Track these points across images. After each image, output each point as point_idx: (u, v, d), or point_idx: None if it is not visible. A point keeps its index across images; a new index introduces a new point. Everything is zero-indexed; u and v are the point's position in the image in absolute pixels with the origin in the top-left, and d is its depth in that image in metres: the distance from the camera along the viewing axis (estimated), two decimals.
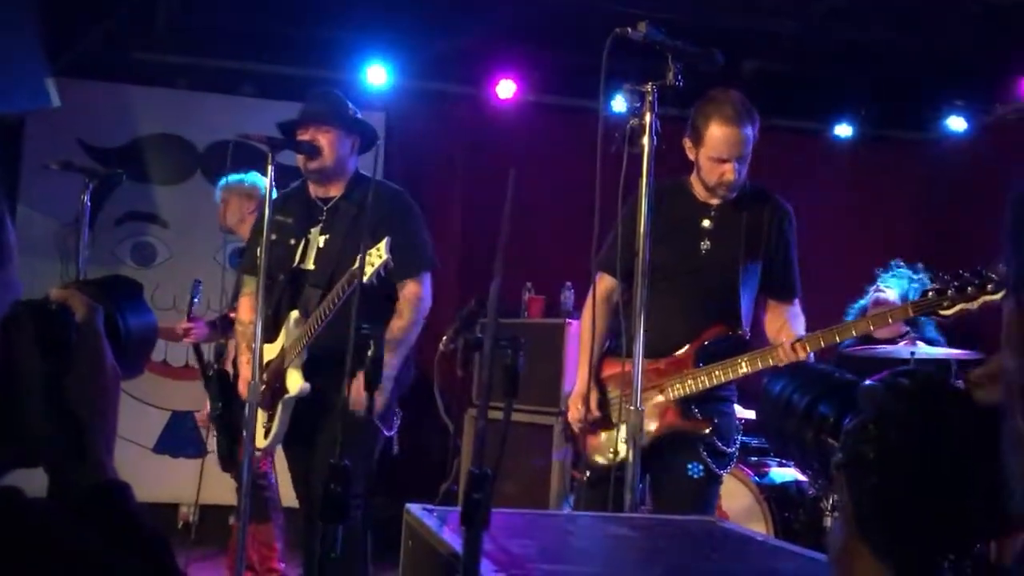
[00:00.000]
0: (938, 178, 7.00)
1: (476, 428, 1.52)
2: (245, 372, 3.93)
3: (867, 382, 1.00)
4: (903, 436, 0.94)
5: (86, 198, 4.63)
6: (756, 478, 4.96)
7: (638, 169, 3.05)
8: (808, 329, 3.59)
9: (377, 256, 3.53)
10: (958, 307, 3.09)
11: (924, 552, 0.95)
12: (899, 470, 0.93)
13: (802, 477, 5.02)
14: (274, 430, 3.88)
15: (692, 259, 3.53)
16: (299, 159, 3.92)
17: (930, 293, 3.17)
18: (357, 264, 3.48)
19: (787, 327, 3.55)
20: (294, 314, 3.88)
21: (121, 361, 1.15)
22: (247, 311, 4.03)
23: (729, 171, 3.46)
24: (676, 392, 3.46)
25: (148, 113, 6.22)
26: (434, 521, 1.79)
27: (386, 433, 3.87)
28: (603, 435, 3.64)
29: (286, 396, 3.86)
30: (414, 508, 1.93)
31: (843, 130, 6.99)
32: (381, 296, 3.82)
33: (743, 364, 3.39)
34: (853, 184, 7.06)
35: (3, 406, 1.04)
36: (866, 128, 6.99)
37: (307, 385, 3.82)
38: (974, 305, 3.07)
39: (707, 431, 3.46)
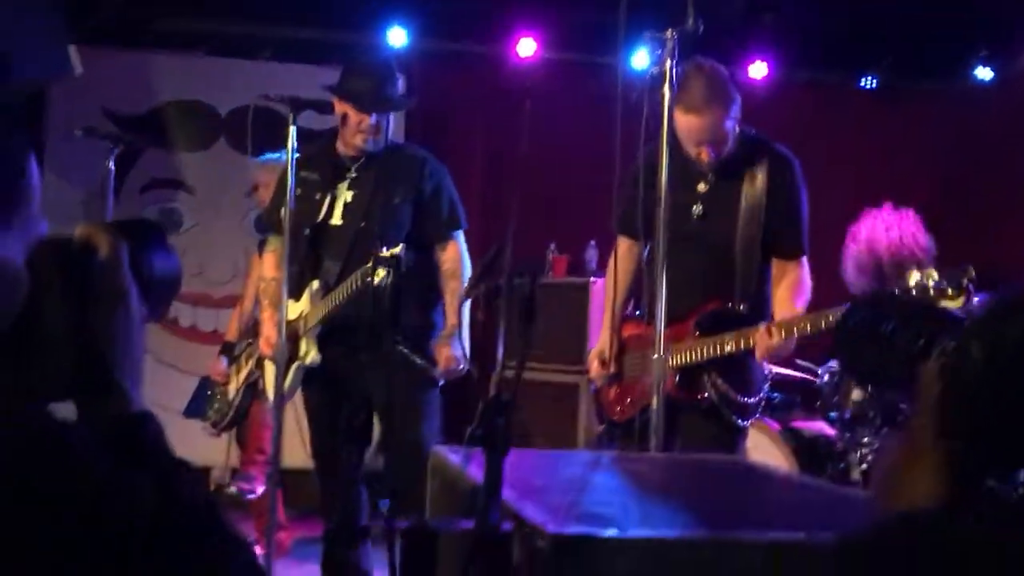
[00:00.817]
0: (964, 130, 6.91)
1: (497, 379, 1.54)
2: (267, 330, 3.98)
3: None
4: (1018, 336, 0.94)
5: (111, 164, 4.66)
6: (784, 433, 4.96)
7: (660, 121, 3.03)
8: (815, 291, 3.53)
9: (377, 275, 3.57)
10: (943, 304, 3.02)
11: (994, 458, 0.97)
12: (1006, 370, 0.94)
13: (830, 431, 5.01)
14: (285, 391, 3.91)
15: (686, 223, 3.43)
16: (348, 131, 3.91)
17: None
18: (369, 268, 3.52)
19: (779, 297, 3.49)
20: (315, 284, 3.90)
21: (145, 302, 1.17)
22: (271, 268, 4.07)
23: (703, 154, 3.40)
24: (675, 361, 3.39)
25: (170, 80, 6.24)
26: (459, 459, 1.81)
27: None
28: (621, 392, 3.67)
29: (296, 363, 3.91)
30: (439, 449, 1.95)
31: (867, 81, 6.91)
32: (412, 251, 3.86)
33: (728, 343, 3.33)
34: (876, 137, 6.99)
35: (30, 342, 1.05)
36: (890, 79, 6.90)
37: (318, 357, 3.88)
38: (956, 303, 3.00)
39: (701, 399, 3.42)
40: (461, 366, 3.84)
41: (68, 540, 0.88)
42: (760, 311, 3.48)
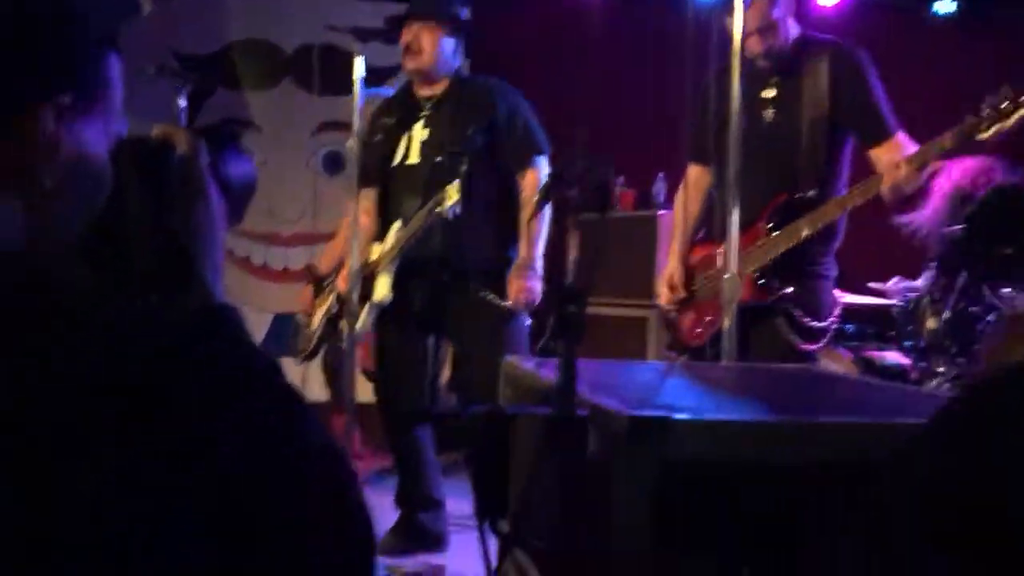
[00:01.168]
0: None
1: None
2: (346, 266, 4.02)
3: None
4: None
5: (182, 102, 4.72)
6: (856, 362, 4.91)
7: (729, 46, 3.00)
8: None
9: (454, 192, 3.58)
10: (995, 127, 3.00)
11: None
12: None
13: (905, 360, 4.95)
14: (357, 328, 3.95)
15: (757, 131, 3.43)
16: (402, 59, 3.93)
17: (966, 120, 3.08)
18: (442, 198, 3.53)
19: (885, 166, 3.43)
20: (397, 223, 3.94)
21: (223, 202, 1.18)
22: (357, 210, 4.10)
23: (754, 43, 3.39)
24: (751, 263, 3.41)
25: (237, 18, 6.28)
26: (531, 365, 1.82)
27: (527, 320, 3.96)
28: (694, 316, 3.67)
29: (371, 301, 3.94)
30: (510, 358, 1.96)
31: (943, 6, 6.70)
32: (491, 183, 3.87)
33: (804, 227, 3.33)
34: (951, 68, 6.79)
35: (113, 237, 1.07)
36: (969, 5, 6.68)
37: (390, 295, 3.91)
38: (1010, 122, 2.98)
39: (783, 296, 3.41)
40: (535, 298, 3.84)
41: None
42: (830, 196, 3.46)
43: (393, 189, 3.99)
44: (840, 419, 1.23)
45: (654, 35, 5.67)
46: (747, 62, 3.45)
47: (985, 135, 3.00)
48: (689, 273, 3.70)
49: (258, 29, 6.32)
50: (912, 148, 3.39)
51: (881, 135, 3.45)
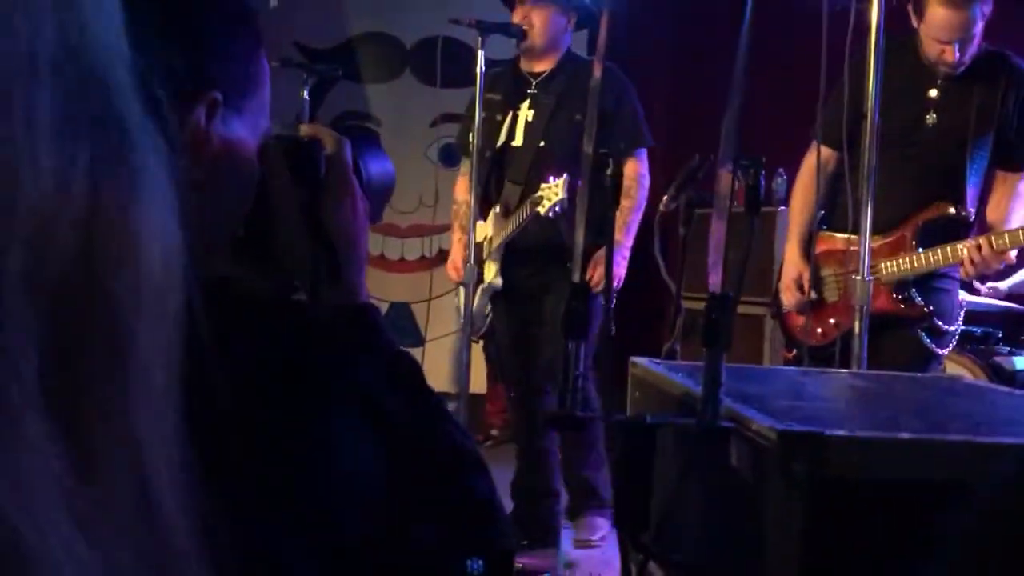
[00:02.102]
0: None
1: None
2: (454, 253, 4.05)
3: None
4: None
5: (306, 95, 4.79)
6: (985, 366, 4.73)
7: (866, 27, 2.89)
8: None
9: (554, 193, 3.57)
10: None
11: None
12: None
13: None
14: (474, 310, 3.97)
15: (916, 131, 3.33)
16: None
17: None
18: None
19: (997, 210, 3.33)
20: (497, 207, 3.95)
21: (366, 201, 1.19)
22: (462, 190, 4.14)
23: (948, 53, 3.23)
24: (890, 273, 3.31)
25: (359, 11, 6.37)
26: (662, 368, 1.79)
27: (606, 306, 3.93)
28: (816, 315, 3.56)
29: (483, 284, 3.96)
30: (639, 360, 1.93)
31: None
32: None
33: (962, 250, 3.20)
34: None
35: (263, 233, 1.08)
36: None
37: (500, 280, 3.92)
38: None
39: (924, 314, 3.32)
40: (616, 284, 3.79)
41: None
42: (984, 220, 3.36)
43: (496, 169, 3.99)
44: (1005, 439, 1.17)
45: (779, 17, 5.54)
46: (906, 47, 3.34)
47: None
48: (813, 266, 3.58)
49: (379, 22, 6.39)
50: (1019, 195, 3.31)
51: (1019, 164, 3.38)
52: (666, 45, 6.43)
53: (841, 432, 1.13)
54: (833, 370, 2.57)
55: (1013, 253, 3.17)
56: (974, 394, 1.75)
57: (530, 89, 4.00)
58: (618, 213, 3.83)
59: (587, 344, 1.32)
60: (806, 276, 3.52)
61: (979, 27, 3.24)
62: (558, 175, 3.63)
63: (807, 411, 1.39)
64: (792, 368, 2.65)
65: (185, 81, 0.97)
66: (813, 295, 3.52)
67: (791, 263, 3.59)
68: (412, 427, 0.98)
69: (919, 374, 2.45)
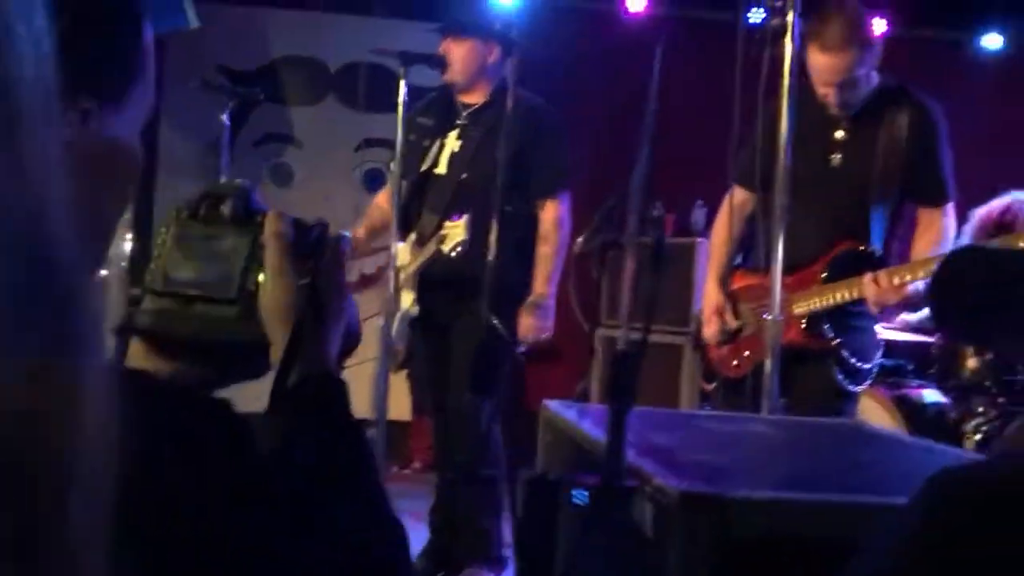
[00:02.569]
0: None
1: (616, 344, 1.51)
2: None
3: None
4: None
5: (226, 118, 4.74)
6: (895, 400, 4.84)
7: (778, 74, 2.96)
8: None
9: (456, 233, 3.58)
10: None
11: None
12: None
13: (944, 399, 4.87)
14: (392, 339, 3.95)
15: (822, 172, 3.40)
16: None
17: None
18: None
19: (917, 247, 3.43)
20: (412, 235, 3.93)
21: None
22: (383, 199, 4.17)
23: (830, 95, 3.33)
24: (800, 308, 3.38)
25: (283, 35, 6.32)
26: (572, 414, 1.79)
27: (520, 350, 3.93)
28: (732, 347, 3.63)
29: (401, 311, 3.94)
30: (552, 404, 1.94)
31: (990, 41, 6.63)
32: (521, 217, 3.85)
33: (841, 292, 3.28)
34: (999, 101, 6.71)
35: (252, 304, 1.07)
36: (1014, 39, 6.61)
37: (416, 308, 3.91)
38: None
39: (830, 348, 3.38)
40: (544, 335, 3.81)
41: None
42: (893, 256, 3.42)
43: (418, 194, 3.98)
44: (894, 499, 1.19)
45: (699, 61, 5.64)
46: (810, 94, 3.41)
47: None
48: (731, 299, 3.65)
49: (303, 45, 6.35)
50: (948, 227, 3.40)
51: (934, 199, 3.45)
52: (600, 84, 6.50)
53: (743, 493, 1.15)
54: (742, 415, 2.60)
55: (913, 287, 3.24)
56: (875, 444, 1.78)
57: (460, 120, 3.98)
58: (538, 262, 3.84)
59: (495, 394, 1.30)
60: (725, 307, 3.59)
61: (863, 70, 3.33)
62: (471, 210, 3.63)
63: (712, 466, 1.40)
64: (702, 413, 2.68)
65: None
66: (733, 326, 3.58)
67: (711, 296, 3.67)
68: (340, 537, 0.96)
69: (825, 420, 2.49)
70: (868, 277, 3.20)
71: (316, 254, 1.08)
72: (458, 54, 3.89)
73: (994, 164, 6.29)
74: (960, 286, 1.05)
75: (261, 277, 1.06)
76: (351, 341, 1.14)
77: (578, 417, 1.74)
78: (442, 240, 3.65)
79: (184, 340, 1.08)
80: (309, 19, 6.34)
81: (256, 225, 1.08)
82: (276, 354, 1.04)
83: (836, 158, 3.42)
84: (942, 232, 3.42)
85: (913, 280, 3.16)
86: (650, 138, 1.33)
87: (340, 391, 1.06)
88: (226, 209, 1.09)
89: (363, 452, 1.05)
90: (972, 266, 1.05)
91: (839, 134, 3.43)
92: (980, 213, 4.35)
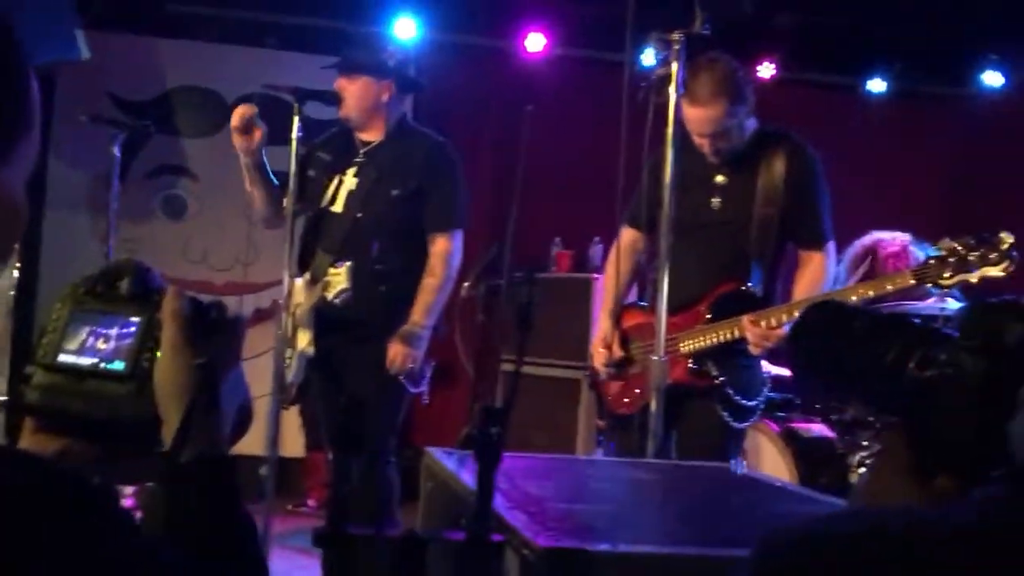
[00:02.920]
0: (972, 135, 6.90)
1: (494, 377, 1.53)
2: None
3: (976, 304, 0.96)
4: (1017, 352, 0.90)
5: (116, 151, 4.66)
6: (783, 434, 4.94)
7: (665, 120, 3.04)
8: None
9: (338, 281, 3.58)
10: (958, 277, 3.03)
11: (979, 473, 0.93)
12: (1002, 387, 0.90)
13: (830, 433, 5.00)
14: (289, 378, 3.90)
15: (704, 215, 3.50)
16: None
17: (931, 261, 3.11)
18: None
19: (798, 287, 3.53)
20: (306, 275, 3.88)
21: None
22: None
23: (704, 145, 3.43)
24: (686, 347, 3.46)
25: (178, 66, 6.22)
26: (453, 463, 1.80)
27: (413, 390, 3.89)
28: (623, 384, 3.69)
29: (297, 350, 3.89)
30: (433, 451, 1.94)
31: (876, 85, 6.89)
32: (414, 246, 3.85)
33: (723, 332, 3.36)
34: (884, 140, 6.98)
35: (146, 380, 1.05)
36: (899, 83, 6.89)
37: (312, 348, 3.86)
38: (973, 278, 3.01)
39: (714, 386, 3.45)
40: (411, 366, 3.74)
41: None
42: (776, 296, 3.51)
43: (314, 231, 3.94)
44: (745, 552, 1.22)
45: (597, 100, 5.73)
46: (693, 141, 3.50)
47: (947, 283, 3.03)
48: (622, 336, 3.72)
49: (199, 76, 6.28)
50: (827, 267, 3.53)
51: (813, 241, 3.54)
52: (497, 122, 6.55)
53: (606, 548, 1.17)
54: (621, 460, 2.64)
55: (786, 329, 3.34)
56: (748, 490, 1.83)
57: (357, 157, 3.96)
58: (420, 291, 3.82)
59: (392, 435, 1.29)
60: (613, 338, 3.66)
61: (735, 121, 3.41)
62: (365, 250, 3.62)
63: (581, 518, 1.42)
64: (582, 458, 2.71)
65: None
66: (621, 360, 3.64)
67: (600, 328, 3.75)
68: None
69: (703, 464, 2.54)
70: (748, 319, 3.29)
71: (213, 333, 1.08)
72: (352, 91, 3.88)
73: (879, 203, 6.52)
74: (814, 339, 1.09)
75: (157, 354, 1.06)
76: (244, 416, 1.14)
77: (457, 466, 1.75)
78: (326, 287, 3.64)
79: (74, 417, 1.06)
80: (205, 50, 6.27)
81: (153, 303, 1.08)
82: (168, 433, 1.03)
83: (716, 202, 3.51)
84: (820, 273, 3.52)
85: (789, 320, 3.25)
86: (519, 197, 1.34)
87: (230, 474, 1.05)
88: (123, 286, 1.09)
89: (247, 538, 1.04)
90: (825, 321, 1.09)
91: (719, 179, 3.52)
92: (849, 253, 4.53)
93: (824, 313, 1.09)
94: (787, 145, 3.51)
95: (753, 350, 3.34)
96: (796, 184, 3.48)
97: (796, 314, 3.22)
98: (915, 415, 0.95)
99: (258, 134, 3.84)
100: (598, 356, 3.69)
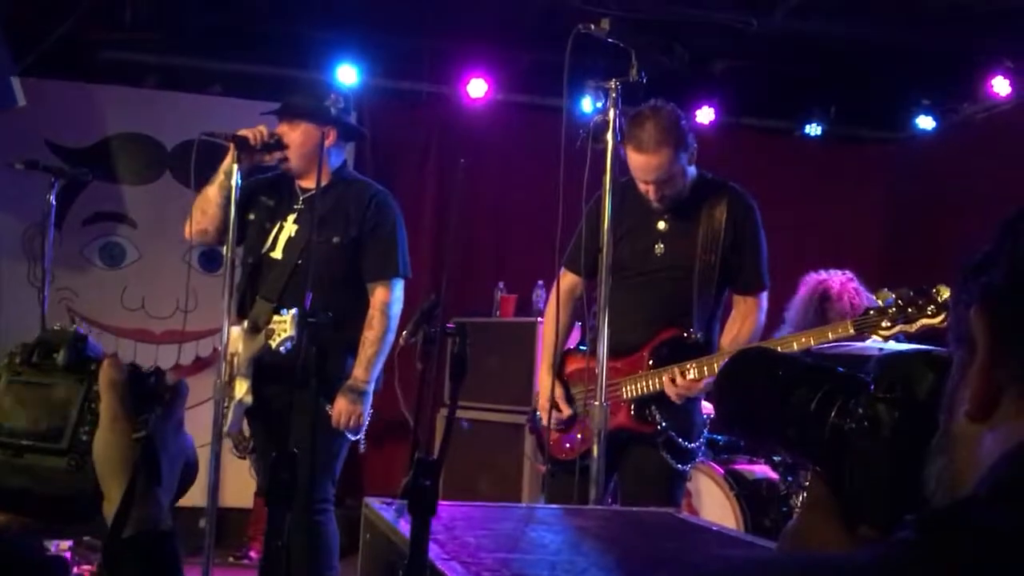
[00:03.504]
0: (906, 177, 7.05)
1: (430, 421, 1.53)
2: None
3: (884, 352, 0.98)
4: (929, 401, 0.91)
5: (52, 198, 4.59)
6: (727, 476, 4.97)
7: (603, 166, 3.08)
8: (767, 328, 3.62)
9: (283, 329, 3.56)
10: (897, 328, 3.12)
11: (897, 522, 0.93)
12: (916, 436, 0.91)
13: (773, 475, 5.03)
14: (225, 428, 3.84)
15: (647, 261, 3.55)
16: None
17: (871, 312, 3.19)
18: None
19: (727, 332, 3.58)
20: (244, 323, 3.83)
21: None
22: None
23: (649, 191, 3.47)
24: (629, 392, 3.48)
25: (116, 112, 6.16)
26: (391, 513, 1.79)
27: (352, 438, 3.86)
28: (564, 429, 3.69)
29: (235, 400, 3.83)
30: (372, 502, 1.92)
31: (812, 129, 7.03)
32: (354, 293, 3.83)
33: (692, 370, 3.40)
34: (820, 183, 7.11)
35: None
36: (835, 127, 7.03)
37: (250, 398, 3.81)
38: (911, 328, 3.09)
39: (656, 432, 3.47)
40: (358, 423, 3.71)
41: None
42: (716, 342, 3.56)
43: (254, 278, 3.90)
44: None
45: (539, 145, 5.78)
46: (636, 187, 3.53)
47: (886, 334, 3.12)
48: (564, 382, 3.71)
49: (139, 123, 6.22)
50: (759, 314, 3.60)
51: (748, 287, 3.61)
52: (431, 171, 6.57)
53: None
54: (563, 507, 2.63)
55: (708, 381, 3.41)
56: (686, 534, 1.83)
57: (297, 204, 3.93)
58: (360, 346, 3.78)
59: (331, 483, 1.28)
60: (560, 394, 3.65)
61: (678, 168, 3.47)
62: (302, 299, 3.59)
63: (517, 567, 1.41)
64: (522, 506, 2.70)
65: None
66: (567, 414, 3.64)
67: (544, 386, 3.70)
68: None
69: (641, 510, 2.55)
70: (667, 379, 3.33)
71: (153, 403, 1.06)
72: (293, 138, 3.86)
73: (815, 245, 6.63)
74: (739, 388, 1.10)
75: (96, 427, 1.04)
76: (189, 475, 1.12)
77: (395, 517, 1.74)
78: (270, 335, 3.60)
79: (13, 493, 1.04)
80: (145, 96, 6.23)
81: (90, 373, 1.05)
82: (109, 508, 1.01)
83: (659, 248, 3.55)
84: (754, 319, 3.60)
85: (710, 373, 3.30)
86: (453, 250, 1.34)
87: (172, 551, 1.03)
88: (59, 357, 1.06)
89: None
90: (751, 369, 1.09)
91: (661, 225, 3.56)
92: (797, 298, 4.62)
93: (748, 362, 1.10)
94: (727, 194, 3.58)
95: (676, 399, 3.38)
96: (736, 232, 3.54)
97: (716, 366, 3.27)
98: (833, 464, 0.96)
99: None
100: (546, 415, 3.65)
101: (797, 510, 4.69)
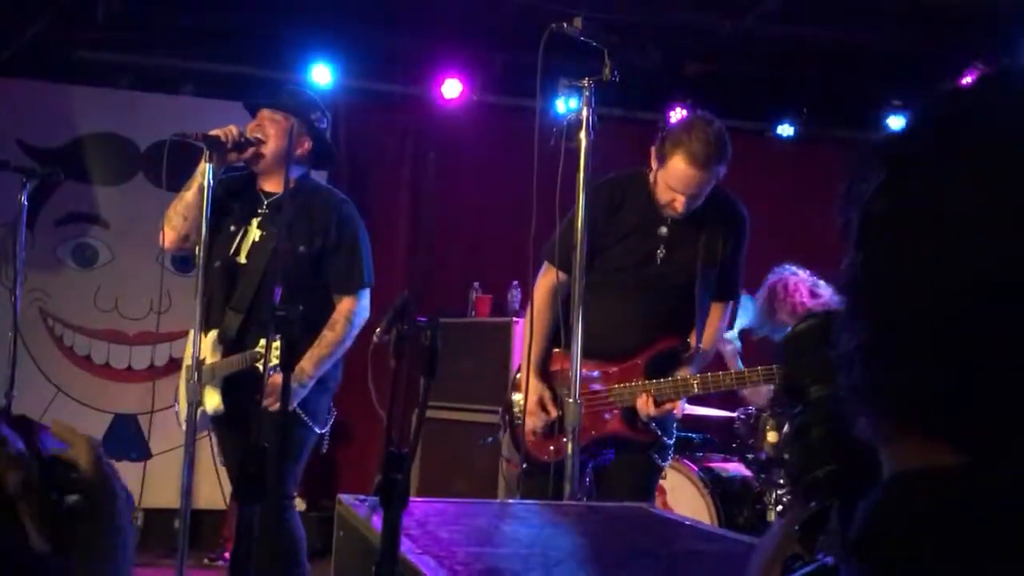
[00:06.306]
0: None
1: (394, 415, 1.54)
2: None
3: None
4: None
5: (23, 198, 4.55)
6: (701, 473, 5.00)
7: (576, 165, 3.09)
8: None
9: (273, 356, 3.53)
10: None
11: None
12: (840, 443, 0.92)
13: (747, 472, 5.06)
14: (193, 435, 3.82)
15: (647, 266, 3.51)
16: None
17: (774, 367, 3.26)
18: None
19: (703, 335, 3.60)
20: (213, 334, 3.80)
21: None
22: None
23: (679, 203, 3.40)
24: (624, 401, 3.46)
25: (89, 112, 6.12)
26: (364, 510, 1.79)
27: (318, 431, 3.84)
28: (551, 432, 3.66)
29: (201, 409, 3.80)
30: (345, 498, 1.93)
31: (785, 129, 7.07)
32: (320, 300, 3.81)
33: (695, 386, 3.40)
34: (792, 183, 7.15)
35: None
36: (808, 128, 7.08)
37: (221, 408, 3.79)
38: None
39: (652, 441, 3.49)
40: (269, 403, 3.53)
41: None
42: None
43: (222, 283, 3.86)
44: None
45: (513, 145, 5.78)
46: (641, 185, 3.51)
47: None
48: (548, 382, 3.62)
49: (112, 123, 6.19)
50: (724, 320, 3.65)
51: (726, 296, 3.64)
52: (406, 172, 6.57)
53: None
54: (537, 503, 2.64)
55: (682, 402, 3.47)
56: (660, 528, 1.84)
57: (261, 209, 3.88)
58: (317, 342, 3.74)
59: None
60: (547, 397, 3.55)
61: (709, 187, 3.42)
62: (275, 301, 3.56)
63: (489, 561, 1.42)
64: (497, 502, 2.71)
65: None
66: (555, 416, 3.55)
67: (532, 388, 3.55)
68: None
69: (618, 506, 2.56)
70: (640, 401, 3.34)
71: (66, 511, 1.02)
72: (273, 130, 3.82)
73: (787, 245, 6.66)
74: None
75: None
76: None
77: (369, 513, 1.74)
78: (258, 359, 3.54)
79: None
80: (118, 97, 6.18)
81: None
82: None
83: (660, 253, 3.51)
84: (717, 326, 3.65)
85: (677, 398, 3.37)
86: (425, 243, 1.35)
87: None
88: None
89: None
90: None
91: (663, 230, 3.51)
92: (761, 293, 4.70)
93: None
94: (729, 209, 3.56)
95: (645, 419, 3.39)
96: (732, 245, 3.57)
97: (696, 389, 3.30)
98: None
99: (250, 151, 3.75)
100: (533, 418, 3.55)
101: (775, 505, 4.73)
